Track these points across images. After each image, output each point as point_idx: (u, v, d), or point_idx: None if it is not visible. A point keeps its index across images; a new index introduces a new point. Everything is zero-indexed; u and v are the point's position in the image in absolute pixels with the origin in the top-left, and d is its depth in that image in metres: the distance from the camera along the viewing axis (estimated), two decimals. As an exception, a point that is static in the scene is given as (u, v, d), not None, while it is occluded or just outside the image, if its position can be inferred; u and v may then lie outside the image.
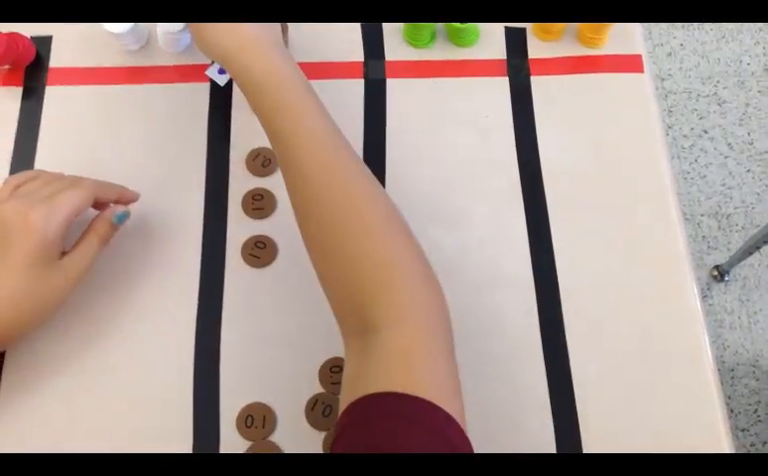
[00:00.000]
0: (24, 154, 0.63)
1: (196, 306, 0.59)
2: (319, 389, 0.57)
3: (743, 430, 1.44)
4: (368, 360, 0.43)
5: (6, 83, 0.66)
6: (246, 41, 0.52)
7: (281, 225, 0.62)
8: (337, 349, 0.57)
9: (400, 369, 0.42)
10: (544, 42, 0.69)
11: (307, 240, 0.49)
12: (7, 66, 0.66)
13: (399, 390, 0.40)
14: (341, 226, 0.46)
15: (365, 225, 0.47)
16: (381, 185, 0.50)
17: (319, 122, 0.50)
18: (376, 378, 0.42)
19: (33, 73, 0.66)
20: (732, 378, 1.49)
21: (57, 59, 0.67)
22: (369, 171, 0.50)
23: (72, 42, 0.68)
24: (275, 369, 0.57)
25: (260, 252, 0.60)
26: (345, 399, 0.42)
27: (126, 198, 0.57)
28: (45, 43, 0.68)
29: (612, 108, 0.67)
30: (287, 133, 0.49)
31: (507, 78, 0.68)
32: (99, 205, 0.56)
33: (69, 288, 0.52)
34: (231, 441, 0.55)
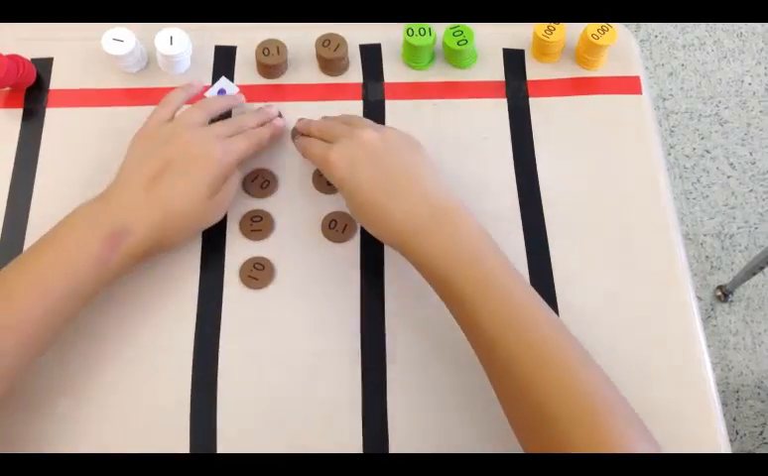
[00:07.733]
0: (24, 175, 0.63)
1: (194, 328, 0.58)
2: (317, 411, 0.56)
3: (749, 453, 1.43)
4: None
5: (6, 105, 0.66)
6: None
7: (279, 247, 0.62)
8: (335, 371, 0.57)
9: None
10: (542, 63, 0.70)
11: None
12: (8, 88, 0.66)
13: None
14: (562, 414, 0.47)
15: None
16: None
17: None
18: None
19: (33, 95, 0.67)
20: (737, 399, 1.48)
21: (57, 81, 0.68)
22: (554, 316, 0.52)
23: (73, 64, 0.68)
24: (273, 391, 0.57)
25: (258, 274, 0.60)
26: None
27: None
28: (45, 64, 0.68)
29: (611, 130, 0.67)
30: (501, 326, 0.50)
31: (505, 100, 0.68)
32: None
33: (220, 214, 0.60)
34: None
